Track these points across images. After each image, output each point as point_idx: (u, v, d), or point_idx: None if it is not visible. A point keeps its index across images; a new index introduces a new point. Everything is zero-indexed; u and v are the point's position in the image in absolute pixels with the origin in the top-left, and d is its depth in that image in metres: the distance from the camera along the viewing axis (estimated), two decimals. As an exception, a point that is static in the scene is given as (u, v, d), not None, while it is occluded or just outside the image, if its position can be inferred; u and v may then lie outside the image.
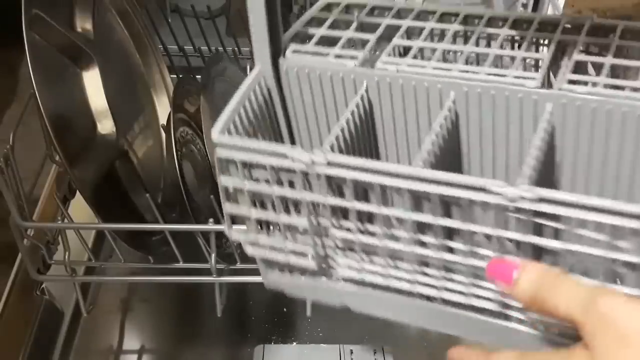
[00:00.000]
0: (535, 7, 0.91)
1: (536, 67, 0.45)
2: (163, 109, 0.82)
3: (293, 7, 1.00)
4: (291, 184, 0.38)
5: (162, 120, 0.81)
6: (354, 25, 0.46)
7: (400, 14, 0.48)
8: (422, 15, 0.48)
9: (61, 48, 0.67)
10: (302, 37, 0.46)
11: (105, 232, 0.66)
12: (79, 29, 0.71)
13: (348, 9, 0.49)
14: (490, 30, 0.46)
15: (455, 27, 0.46)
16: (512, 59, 0.43)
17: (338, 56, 0.43)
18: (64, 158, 0.61)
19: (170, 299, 0.81)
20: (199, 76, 0.75)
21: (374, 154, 0.46)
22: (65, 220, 0.69)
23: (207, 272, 0.66)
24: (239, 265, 0.68)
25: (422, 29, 0.46)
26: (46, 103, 0.59)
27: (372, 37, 0.45)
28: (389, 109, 0.43)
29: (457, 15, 0.47)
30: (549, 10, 0.88)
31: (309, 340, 0.76)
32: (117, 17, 0.77)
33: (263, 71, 0.43)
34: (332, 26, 0.47)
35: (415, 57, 0.43)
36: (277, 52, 0.43)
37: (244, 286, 0.80)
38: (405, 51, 0.46)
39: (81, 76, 0.70)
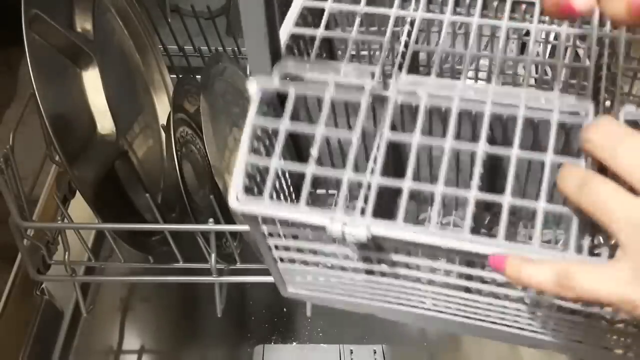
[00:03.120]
0: None
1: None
2: (163, 109, 0.82)
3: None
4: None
5: (162, 120, 0.81)
6: (357, 21, 0.39)
7: None
8: None
9: (61, 48, 0.67)
10: (298, 41, 0.40)
11: (105, 232, 0.66)
12: (79, 29, 0.71)
13: None
14: (520, 24, 0.39)
15: (478, 20, 0.39)
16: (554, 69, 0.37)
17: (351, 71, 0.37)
18: (64, 158, 0.61)
19: (170, 299, 0.81)
20: (199, 76, 0.75)
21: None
22: (65, 220, 0.69)
23: (207, 272, 0.66)
24: (238, 265, 0.68)
25: (438, 23, 0.40)
26: (46, 103, 0.59)
27: (383, 41, 0.38)
28: (411, 130, 0.36)
29: None
30: None
31: (309, 340, 0.76)
32: (117, 17, 0.77)
33: (265, 97, 0.36)
34: (330, 23, 0.40)
35: (440, 73, 0.37)
36: (275, 60, 0.37)
37: (244, 286, 0.80)
38: (425, 56, 0.42)
39: (81, 76, 0.70)
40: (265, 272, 0.68)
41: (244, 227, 0.64)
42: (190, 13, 0.90)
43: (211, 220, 0.62)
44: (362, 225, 0.31)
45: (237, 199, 0.33)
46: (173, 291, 0.81)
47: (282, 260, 0.39)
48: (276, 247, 0.38)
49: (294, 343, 0.76)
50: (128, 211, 0.71)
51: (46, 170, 0.77)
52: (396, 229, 0.31)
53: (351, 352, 0.73)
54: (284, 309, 0.79)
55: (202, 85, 0.69)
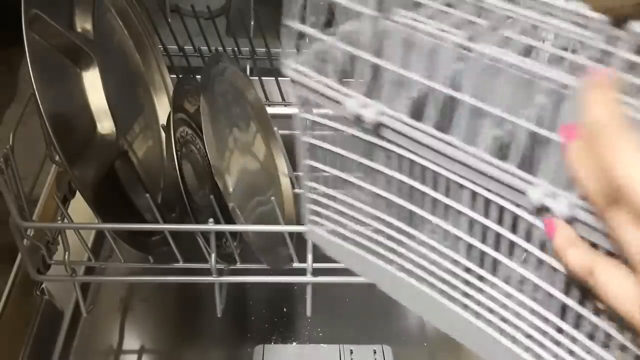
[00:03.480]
0: None
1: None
2: (163, 109, 0.82)
3: None
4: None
5: (162, 120, 0.81)
6: None
7: None
8: None
9: (61, 48, 0.67)
10: None
11: (105, 232, 0.66)
12: (79, 29, 0.71)
13: None
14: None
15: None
16: None
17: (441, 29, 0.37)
18: (64, 158, 0.60)
19: (170, 299, 0.81)
20: (199, 76, 0.75)
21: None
22: (65, 220, 0.69)
23: (207, 272, 0.66)
24: (238, 265, 0.68)
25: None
26: (46, 103, 0.59)
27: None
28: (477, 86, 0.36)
29: None
30: None
31: (309, 340, 0.76)
32: (117, 17, 0.77)
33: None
34: None
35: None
36: None
37: (244, 286, 0.80)
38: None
39: (81, 76, 0.70)
40: (265, 272, 0.68)
41: (244, 227, 0.64)
42: (190, 13, 0.90)
43: (211, 220, 0.62)
44: (374, 107, 0.33)
45: (289, 63, 0.36)
46: (173, 291, 0.81)
47: (313, 169, 0.41)
48: (310, 148, 0.39)
49: (294, 343, 0.76)
50: (128, 211, 0.71)
51: (46, 170, 0.77)
52: (402, 119, 0.33)
53: (351, 352, 0.73)
54: (284, 309, 0.79)
55: (202, 85, 0.69)
